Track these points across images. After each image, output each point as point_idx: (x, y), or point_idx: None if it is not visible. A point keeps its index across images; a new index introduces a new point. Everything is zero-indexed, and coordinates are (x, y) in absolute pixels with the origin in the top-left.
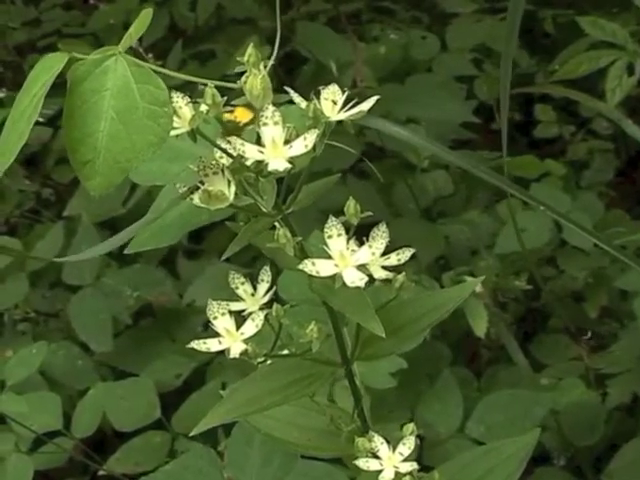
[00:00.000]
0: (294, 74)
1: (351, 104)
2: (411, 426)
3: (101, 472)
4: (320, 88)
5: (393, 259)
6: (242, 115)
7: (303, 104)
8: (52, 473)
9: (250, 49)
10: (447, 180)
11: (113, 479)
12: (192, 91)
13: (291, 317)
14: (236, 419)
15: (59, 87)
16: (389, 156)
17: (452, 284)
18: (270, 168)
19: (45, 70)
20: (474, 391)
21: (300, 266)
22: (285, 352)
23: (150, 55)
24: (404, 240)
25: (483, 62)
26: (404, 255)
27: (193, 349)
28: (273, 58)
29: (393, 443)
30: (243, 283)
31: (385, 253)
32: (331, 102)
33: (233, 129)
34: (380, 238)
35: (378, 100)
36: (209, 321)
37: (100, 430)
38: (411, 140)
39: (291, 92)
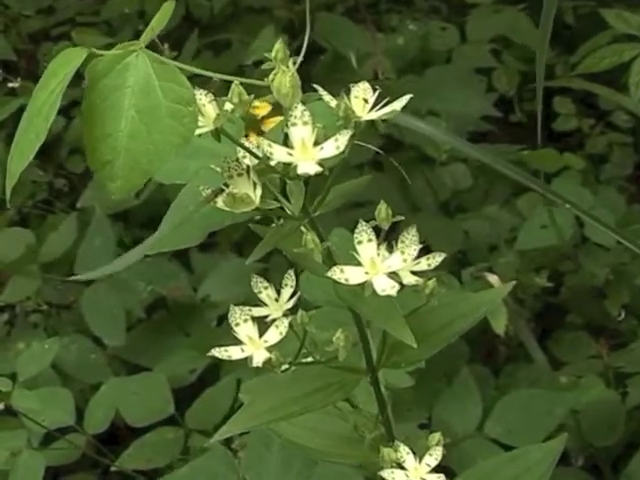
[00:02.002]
0: (310, 64)
1: (382, 103)
2: (437, 435)
3: (113, 468)
4: (351, 86)
5: (423, 264)
6: (261, 109)
7: (333, 102)
8: (63, 467)
9: (278, 44)
10: (466, 173)
11: (125, 475)
12: (205, 82)
13: (313, 319)
14: (257, 428)
15: (75, 75)
16: (407, 149)
17: (472, 281)
18: (299, 171)
19: (63, 65)
20: (492, 389)
21: (328, 273)
22: (309, 359)
23: (166, 45)
24: (422, 235)
25: (501, 53)
26: (434, 260)
27: (208, 344)
28: (302, 54)
29: (417, 451)
30: (267, 287)
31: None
32: (362, 100)
33: (252, 123)
34: (411, 243)
35: (398, 92)
36: (224, 316)
37: (113, 424)
38: (433, 134)
39: (320, 89)
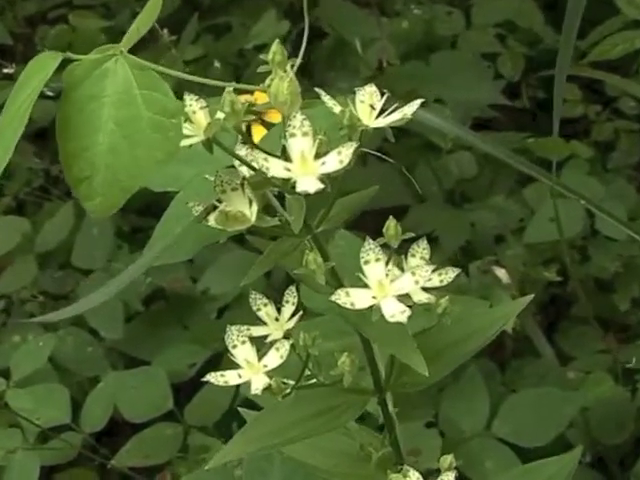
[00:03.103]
0: (310, 49)
1: (392, 108)
2: (449, 458)
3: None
4: (355, 90)
5: (435, 280)
6: (260, 98)
7: (336, 108)
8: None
9: (275, 46)
10: (471, 161)
11: (122, 475)
12: (208, 65)
13: (315, 327)
14: (257, 452)
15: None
16: (412, 136)
17: (479, 274)
18: (299, 188)
19: (35, 73)
20: (499, 385)
21: (333, 298)
22: (312, 381)
23: (165, 30)
24: (428, 226)
25: (506, 38)
26: (447, 276)
27: (207, 337)
28: (300, 56)
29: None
30: (266, 305)
31: None
32: (368, 106)
33: (254, 113)
34: (422, 257)
35: (402, 78)
36: (224, 309)
37: (112, 417)
38: (438, 125)
39: (321, 93)
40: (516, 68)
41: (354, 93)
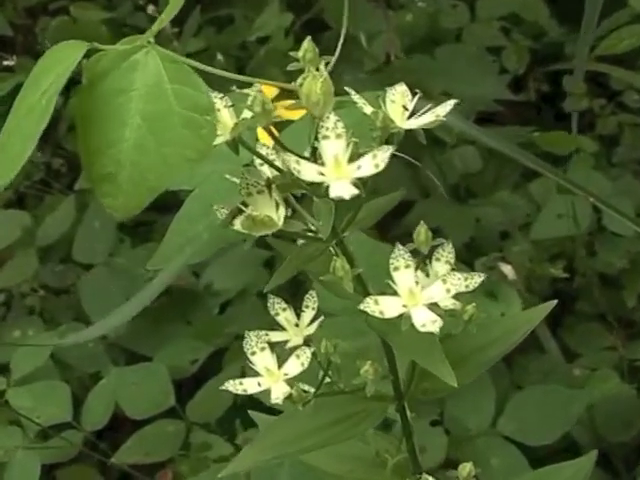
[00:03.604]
0: (315, 39)
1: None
2: (468, 466)
3: (111, 461)
4: (387, 89)
5: (461, 285)
6: (267, 91)
7: (367, 109)
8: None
9: (307, 43)
10: (475, 156)
11: (123, 472)
12: (211, 58)
13: (330, 328)
14: (271, 461)
15: None
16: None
17: (485, 270)
18: (332, 194)
19: (57, 62)
20: (504, 381)
21: (361, 306)
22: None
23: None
24: (433, 222)
25: (511, 31)
26: (473, 281)
27: (209, 332)
28: (335, 57)
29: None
30: (285, 309)
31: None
32: (400, 107)
33: None
34: (446, 262)
35: (406, 71)
36: (226, 304)
37: (113, 413)
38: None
39: (352, 92)
40: (521, 61)
41: (359, 86)
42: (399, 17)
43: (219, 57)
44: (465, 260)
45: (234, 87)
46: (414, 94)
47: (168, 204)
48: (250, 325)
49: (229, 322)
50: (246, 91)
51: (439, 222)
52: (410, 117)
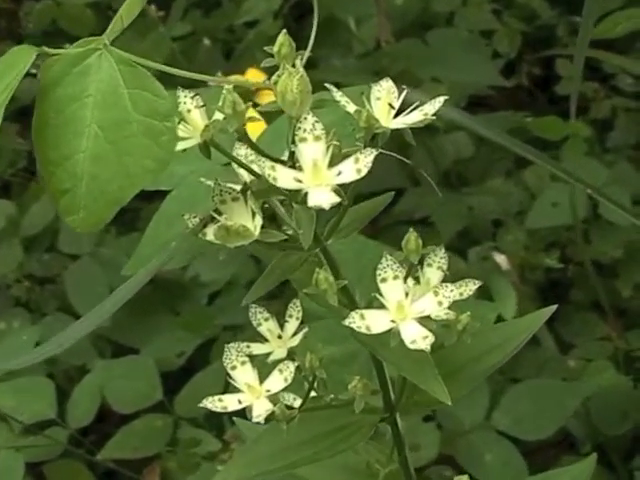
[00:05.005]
0: (304, 23)
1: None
2: (465, 478)
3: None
4: (371, 85)
5: (454, 293)
6: (254, 76)
7: (350, 107)
8: None
9: (282, 37)
10: (467, 142)
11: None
12: (197, 42)
13: (319, 332)
14: (256, 478)
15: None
16: None
17: (479, 261)
18: (311, 202)
19: (6, 70)
20: (497, 374)
21: (346, 322)
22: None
23: (152, 6)
24: (424, 211)
25: (502, 13)
26: (467, 289)
27: (197, 323)
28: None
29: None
30: (267, 319)
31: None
32: (386, 104)
33: (244, 94)
34: (438, 268)
35: (397, 57)
36: (215, 295)
37: (101, 405)
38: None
39: (332, 89)
40: (513, 45)
41: (347, 72)
42: (389, 0)
43: (206, 42)
44: (458, 249)
45: (219, 73)
46: (403, 83)
47: (153, 191)
48: (238, 317)
49: (218, 313)
50: (225, 81)
51: (430, 211)
52: (397, 115)
